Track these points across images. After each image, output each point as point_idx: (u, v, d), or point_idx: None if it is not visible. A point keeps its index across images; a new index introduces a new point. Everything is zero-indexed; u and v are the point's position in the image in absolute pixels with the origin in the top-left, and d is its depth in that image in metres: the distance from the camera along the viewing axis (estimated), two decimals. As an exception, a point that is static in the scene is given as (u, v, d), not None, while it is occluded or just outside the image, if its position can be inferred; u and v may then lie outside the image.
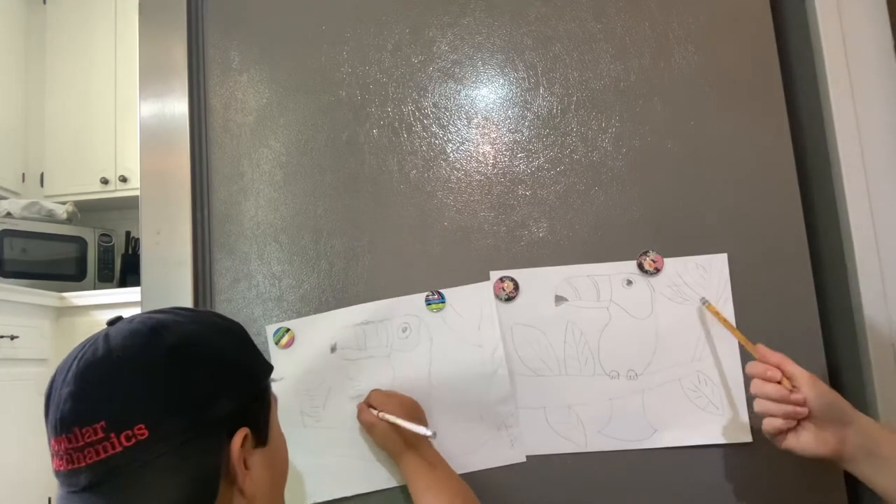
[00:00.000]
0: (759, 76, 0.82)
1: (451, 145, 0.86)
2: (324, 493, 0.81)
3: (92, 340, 0.55)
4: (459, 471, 0.78)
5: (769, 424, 0.65)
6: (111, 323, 0.57)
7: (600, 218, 0.82)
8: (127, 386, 0.52)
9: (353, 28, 0.89)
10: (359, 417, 0.80)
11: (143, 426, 0.50)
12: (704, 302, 0.77)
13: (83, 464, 0.50)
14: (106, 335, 0.55)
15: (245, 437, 0.56)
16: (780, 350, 0.68)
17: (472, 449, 0.80)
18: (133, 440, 0.50)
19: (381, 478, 0.80)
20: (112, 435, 0.50)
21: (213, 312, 0.63)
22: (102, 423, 0.50)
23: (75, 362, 0.53)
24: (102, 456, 0.50)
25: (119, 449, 0.50)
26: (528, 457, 0.79)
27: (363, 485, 0.80)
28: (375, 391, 0.80)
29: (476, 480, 0.78)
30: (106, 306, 2.37)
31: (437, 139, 0.86)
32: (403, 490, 0.80)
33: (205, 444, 0.53)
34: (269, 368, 0.63)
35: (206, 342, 0.57)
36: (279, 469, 0.64)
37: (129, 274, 2.75)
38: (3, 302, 2.12)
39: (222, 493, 0.54)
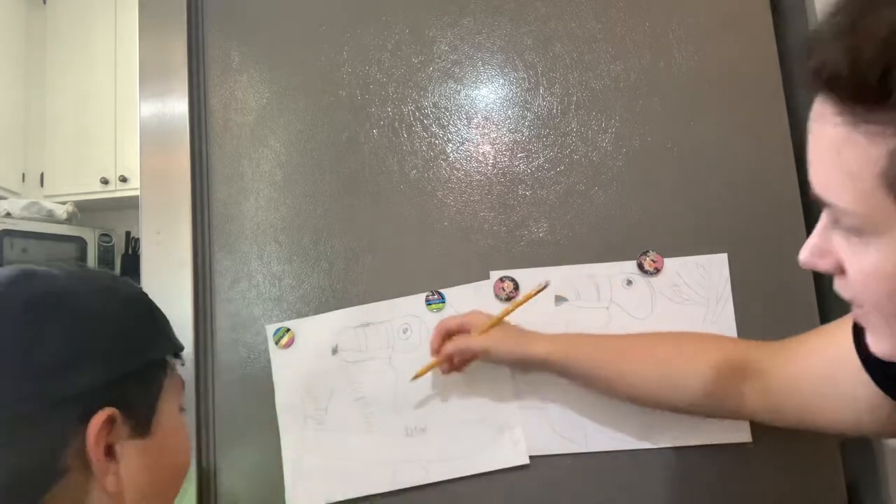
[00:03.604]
0: (758, 76, 0.82)
1: (451, 145, 0.86)
2: (327, 495, 0.81)
3: None
4: (463, 473, 0.78)
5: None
6: None
7: (600, 218, 0.82)
8: None
9: (353, 28, 0.89)
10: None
11: None
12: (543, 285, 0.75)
13: None
14: None
15: (109, 421, 0.46)
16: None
17: (474, 451, 0.80)
18: None
19: (385, 480, 0.80)
20: None
21: (114, 275, 0.54)
22: None
23: None
24: None
25: None
26: (531, 458, 0.79)
27: (367, 487, 0.80)
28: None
29: (480, 483, 0.78)
30: (106, 306, 2.36)
31: (437, 139, 0.86)
32: (405, 492, 0.80)
33: (48, 421, 0.44)
34: (170, 346, 0.54)
35: (76, 299, 0.48)
36: (167, 469, 0.53)
37: (129, 274, 2.75)
38: (3, 302, 2.12)
39: (73, 486, 0.45)
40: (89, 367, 0.46)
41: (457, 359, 0.77)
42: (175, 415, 0.54)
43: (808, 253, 0.45)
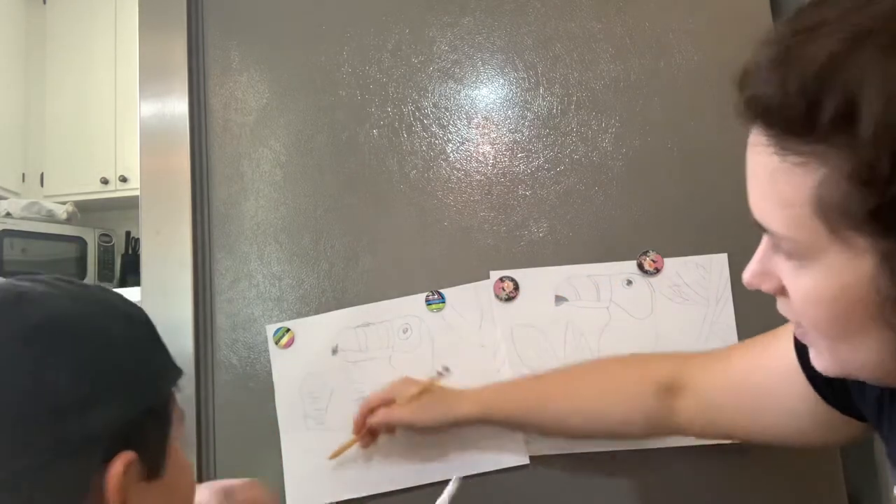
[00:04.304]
0: (759, 76, 0.82)
1: (451, 145, 0.86)
2: (327, 495, 0.81)
3: None
4: (463, 473, 0.78)
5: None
6: None
7: (600, 218, 0.82)
8: None
9: (353, 28, 0.89)
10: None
11: None
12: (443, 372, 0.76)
13: None
14: None
15: (129, 466, 0.40)
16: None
17: (475, 451, 0.80)
18: None
19: (385, 480, 0.80)
20: None
21: (109, 290, 0.47)
22: None
23: None
24: None
25: None
26: (531, 458, 0.79)
27: (367, 487, 0.80)
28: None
29: (480, 484, 0.78)
30: (106, 306, 2.36)
31: (437, 139, 0.86)
32: (405, 492, 0.80)
33: (59, 473, 0.38)
34: (177, 373, 0.48)
35: (82, 324, 0.41)
36: None
37: (129, 274, 2.75)
38: (3, 302, 2.11)
39: None
40: (104, 405, 0.40)
41: (381, 431, 0.77)
42: (179, 449, 0.48)
43: (750, 275, 0.46)
